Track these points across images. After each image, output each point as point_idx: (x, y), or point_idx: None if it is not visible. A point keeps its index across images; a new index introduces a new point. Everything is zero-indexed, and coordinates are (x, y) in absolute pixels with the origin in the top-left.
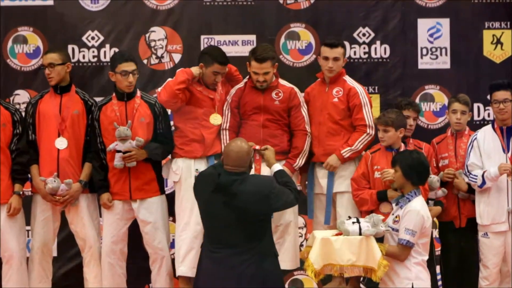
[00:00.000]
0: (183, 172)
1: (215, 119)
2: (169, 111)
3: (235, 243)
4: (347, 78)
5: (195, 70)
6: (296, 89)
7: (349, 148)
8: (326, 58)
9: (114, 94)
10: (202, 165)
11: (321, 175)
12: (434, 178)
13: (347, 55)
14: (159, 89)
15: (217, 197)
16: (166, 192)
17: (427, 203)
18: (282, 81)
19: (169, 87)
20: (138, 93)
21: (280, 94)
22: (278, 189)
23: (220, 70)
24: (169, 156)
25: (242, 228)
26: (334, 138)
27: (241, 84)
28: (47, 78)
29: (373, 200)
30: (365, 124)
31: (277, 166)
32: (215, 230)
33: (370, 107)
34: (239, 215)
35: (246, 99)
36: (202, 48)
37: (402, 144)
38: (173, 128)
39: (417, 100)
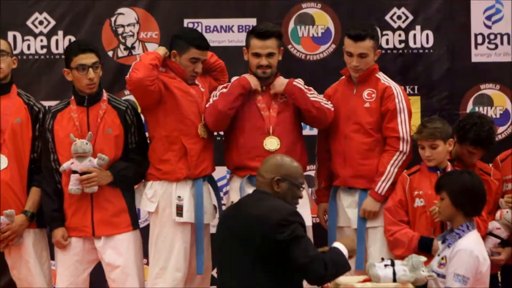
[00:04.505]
0: (161, 199)
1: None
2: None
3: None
4: (381, 75)
5: (161, 50)
6: None
7: (382, 179)
8: (350, 54)
9: (72, 98)
10: (186, 191)
11: (348, 204)
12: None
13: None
14: (128, 75)
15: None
16: (141, 226)
17: (501, 241)
18: None
19: (139, 64)
20: (105, 95)
21: None
22: (299, 231)
23: (199, 56)
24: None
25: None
26: (366, 155)
27: None
28: None
29: (411, 246)
30: (398, 136)
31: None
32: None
33: (409, 116)
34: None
35: None
36: None
37: (449, 163)
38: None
39: (470, 105)
